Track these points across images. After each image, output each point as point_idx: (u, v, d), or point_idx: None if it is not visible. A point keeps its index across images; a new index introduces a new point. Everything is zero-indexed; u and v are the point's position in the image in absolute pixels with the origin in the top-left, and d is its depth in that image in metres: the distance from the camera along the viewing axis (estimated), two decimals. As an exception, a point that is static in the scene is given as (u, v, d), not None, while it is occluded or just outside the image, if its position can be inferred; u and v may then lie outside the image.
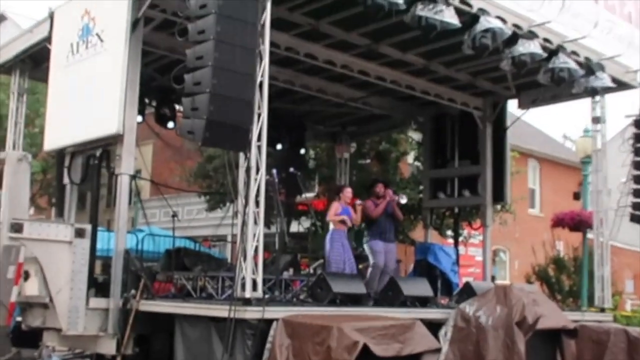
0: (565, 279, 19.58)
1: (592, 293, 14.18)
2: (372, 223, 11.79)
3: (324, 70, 13.19)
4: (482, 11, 10.37)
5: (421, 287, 11.20)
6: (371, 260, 11.57)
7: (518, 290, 10.29)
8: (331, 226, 11.30)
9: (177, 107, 14.48)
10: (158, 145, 26.28)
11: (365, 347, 7.97)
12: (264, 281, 9.55)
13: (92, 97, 10.26)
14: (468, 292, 11.62)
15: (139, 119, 12.70)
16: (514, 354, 9.30)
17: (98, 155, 10.53)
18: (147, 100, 14.43)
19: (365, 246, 11.74)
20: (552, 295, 18.60)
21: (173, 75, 9.33)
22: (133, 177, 10.30)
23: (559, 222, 17.21)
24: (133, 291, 9.76)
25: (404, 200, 12.09)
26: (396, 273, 13.34)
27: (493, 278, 15.21)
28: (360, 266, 11.81)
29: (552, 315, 10.09)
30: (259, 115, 9.39)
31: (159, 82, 13.79)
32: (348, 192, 11.52)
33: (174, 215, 11.78)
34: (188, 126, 8.81)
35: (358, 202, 11.45)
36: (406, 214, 18.95)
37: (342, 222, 11.23)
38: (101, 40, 10.29)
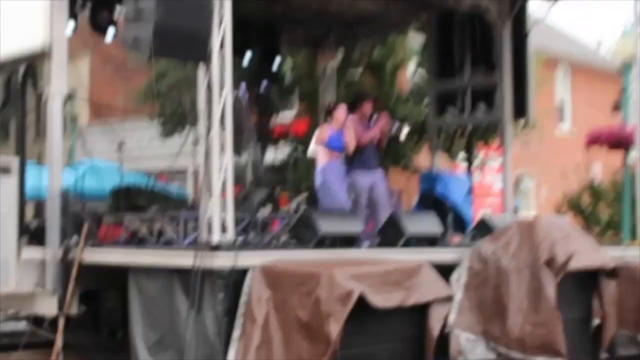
0: (604, 209, 19.83)
1: (636, 224, 14.36)
2: (355, 151, 11.75)
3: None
4: None
5: (428, 223, 11.30)
6: (353, 195, 11.63)
7: (546, 223, 10.39)
8: (321, 158, 11.29)
9: (118, 9, 14.26)
10: (97, 60, 25.98)
11: (362, 297, 8.06)
12: (236, 221, 9.60)
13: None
14: (485, 227, 11.72)
15: (71, 25, 12.49)
16: (542, 300, 9.46)
17: (22, 72, 10.42)
18: (79, 2, 14.20)
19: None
20: (587, 228, 18.85)
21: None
22: (67, 98, 10.19)
23: (594, 140, 17.27)
24: (75, 238, 9.77)
25: (403, 134, 12.06)
26: (397, 207, 13.44)
27: (515, 210, 15.36)
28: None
29: (588, 253, 10.22)
30: (221, 17, 9.26)
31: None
32: (341, 110, 11.47)
33: (121, 144, 11.71)
34: (132, 34, 8.74)
35: (350, 117, 11.41)
36: (408, 135, 19.03)
37: (332, 148, 11.23)
38: None
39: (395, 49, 19.24)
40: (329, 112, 11.63)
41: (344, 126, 11.47)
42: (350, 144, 11.46)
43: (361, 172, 11.64)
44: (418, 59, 19.89)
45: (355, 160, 11.74)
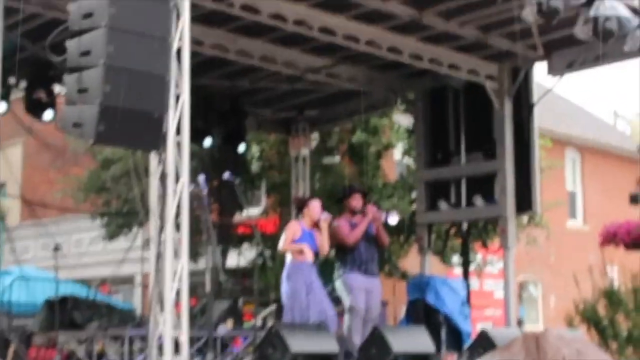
0: (622, 320, 19.76)
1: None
2: (346, 251, 11.73)
3: (270, 28, 13.15)
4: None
5: (418, 340, 11.19)
6: (347, 303, 11.53)
7: (556, 338, 10.33)
8: (289, 256, 11.23)
9: (57, 89, 14.33)
10: (31, 146, 25.99)
11: None
12: (192, 340, 9.46)
13: None
14: (485, 344, 11.63)
15: (2, 107, 12.55)
16: None
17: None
18: (12, 81, 14.27)
19: (338, 283, 11.65)
20: (604, 343, 18.74)
21: (50, 43, 9.25)
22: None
23: (610, 237, 17.36)
24: (-2, 362, 9.61)
25: (394, 220, 12.05)
26: (382, 320, 13.31)
27: (520, 322, 15.29)
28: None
29: (606, 373, 10.15)
30: (178, 96, 9.32)
31: (30, 53, 13.64)
32: (315, 207, 11.43)
33: (57, 247, 11.62)
34: (74, 116, 8.75)
35: (324, 216, 11.37)
36: (393, 234, 19.06)
37: (301, 252, 11.16)
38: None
39: (378, 132, 19.40)
40: (300, 207, 11.61)
41: (316, 226, 11.39)
42: (323, 248, 11.42)
43: (358, 274, 11.60)
44: (405, 144, 20.03)
45: (348, 261, 11.68)
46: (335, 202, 12.57)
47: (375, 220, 11.79)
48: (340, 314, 11.73)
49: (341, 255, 11.73)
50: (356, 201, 11.87)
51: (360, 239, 11.67)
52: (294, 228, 11.34)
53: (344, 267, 11.66)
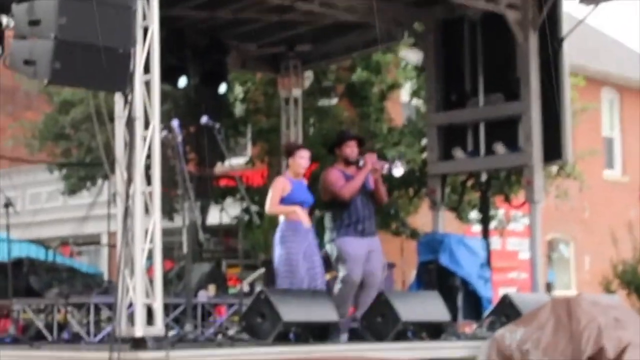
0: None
1: None
2: (339, 207, 11.72)
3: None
4: None
5: (430, 307, 11.29)
6: (341, 271, 11.57)
7: (590, 304, 10.42)
8: (281, 217, 11.27)
9: (4, 20, 14.30)
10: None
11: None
12: (167, 308, 9.53)
13: None
14: (508, 311, 11.72)
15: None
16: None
17: None
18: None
19: (330, 246, 11.69)
20: (646, 310, 18.94)
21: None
22: None
23: (653, 189, 17.48)
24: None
25: (399, 172, 12.01)
26: (388, 285, 13.38)
27: (549, 286, 15.42)
28: (327, 276, 11.83)
29: (647, 344, 10.24)
30: (146, 29, 9.30)
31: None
32: (303, 156, 11.44)
33: (8, 204, 11.66)
34: (25, 52, 8.75)
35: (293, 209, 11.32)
36: (401, 186, 19.12)
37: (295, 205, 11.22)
38: None
39: (381, 70, 19.40)
40: (288, 154, 11.61)
41: (307, 175, 11.45)
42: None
43: (354, 236, 11.57)
44: (413, 83, 20.04)
45: (342, 219, 11.66)
46: (328, 151, 12.51)
47: (374, 171, 11.72)
48: (332, 280, 11.78)
49: (334, 212, 11.68)
50: (350, 149, 11.74)
51: (356, 193, 11.62)
52: (282, 184, 11.30)
53: (338, 228, 11.63)
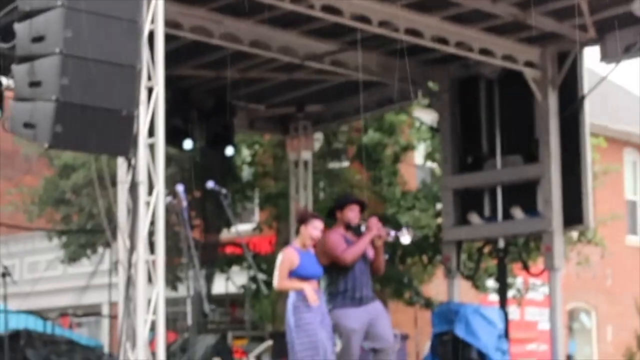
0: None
1: None
2: (336, 273, 11.59)
3: (264, 7, 13.20)
4: None
5: (446, 381, 11.24)
6: (337, 345, 11.44)
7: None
8: (290, 292, 11.19)
9: (4, 81, 14.39)
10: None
11: None
12: (170, 383, 9.51)
13: None
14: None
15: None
16: None
17: None
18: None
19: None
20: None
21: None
22: None
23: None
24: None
25: (406, 239, 11.89)
26: (401, 357, 13.28)
27: (570, 359, 15.32)
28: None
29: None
30: (151, 90, 9.35)
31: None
32: (317, 227, 11.34)
33: (5, 273, 11.67)
34: (25, 114, 8.78)
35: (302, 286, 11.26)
36: (415, 253, 19.09)
37: (304, 277, 11.11)
38: None
39: (395, 131, 19.46)
40: (300, 222, 11.55)
41: (314, 244, 11.33)
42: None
43: (348, 309, 11.47)
44: (427, 145, 20.09)
45: (337, 287, 11.57)
46: (328, 215, 12.43)
47: (378, 237, 11.58)
48: None
49: (331, 278, 11.52)
50: (353, 213, 11.57)
51: (356, 260, 11.51)
52: (290, 256, 11.16)
53: (334, 297, 11.50)
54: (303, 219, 11.30)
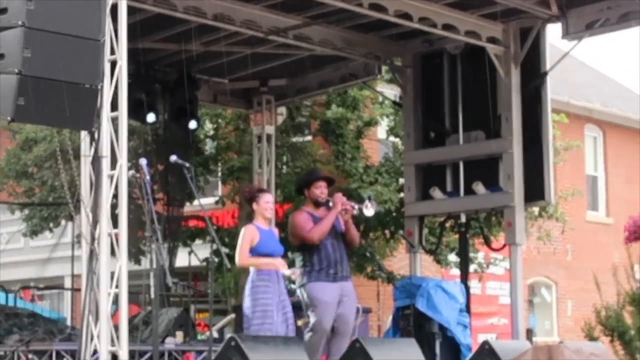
0: (654, 330, 19.99)
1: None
2: (309, 251, 11.68)
3: (227, -20, 13.20)
4: None
5: (407, 355, 11.28)
6: (311, 318, 11.52)
7: (572, 352, 10.47)
8: (251, 267, 11.23)
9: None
10: None
11: None
12: (133, 356, 9.50)
13: None
14: (488, 358, 11.73)
15: None
16: None
17: None
18: None
19: (301, 291, 11.63)
20: (631, 358, 18.97)
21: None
22: None
23: (638, 232, 17.54)
24: None
25: (370, 211, 11.94)
26: (363, 331, 13.34)
27: (530, 333, 15.42)
28: (299, 322, 11.79)
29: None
30: (114, 63, 9.33)
31: None
32: (268, 201, 11.38)
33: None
34: (-14, 87, 8.73)
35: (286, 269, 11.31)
36: (377, 228, 19.15)
37: (266, 256, 11.14)
38: None
39: (358, 106, 19.46)
40: (249, 201, 11.53)
41: (279, 215, 11.42)
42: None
43: (323, 282, 11.50)
44: (390, 120, 20.11)
45: (312, 263, 11.59)
46: (296, 192, 12.43)
47: (344, 212, 11.63)
48: (303, 326, 11.72)
49: (304, 256, 11.62)
50: (319, 190, 11.62)
51: (326, 236, 11.55)
52: (250, 234, 11.20)
53: (308, 273, 11.56)
54: (252, 197, 11.34)
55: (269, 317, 10.90)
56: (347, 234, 11.65)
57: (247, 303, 11.04)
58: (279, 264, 11.08)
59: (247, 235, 11.10)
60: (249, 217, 12.43)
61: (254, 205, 11.22)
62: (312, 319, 11.39)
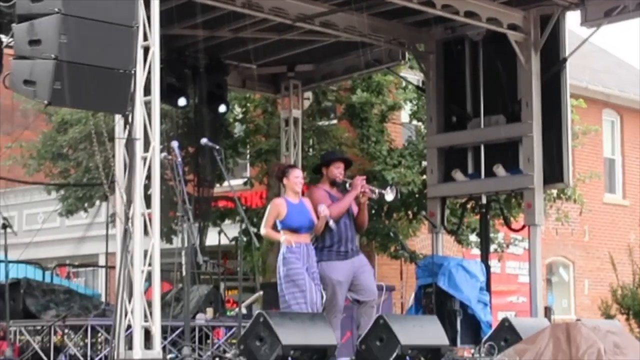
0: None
1: None
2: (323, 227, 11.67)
3: (256, -31, 13.21)
4: None
5: (429, 331, 11.30)
6: (324, 296, 11.52)
7: (589, 330, 10.44)
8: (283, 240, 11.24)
9: (4, 39, 14.34)
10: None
11: None
12: (165, 331, 9.55)
13: None
14: (507, 335, 11.73)
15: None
16: None
17: None
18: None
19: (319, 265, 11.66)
20: (646, 335, 18.94)
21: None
22: None
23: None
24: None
25: (390, 196, 11.89)
26: (387, 308, 13.34)
27: (548, 311, 15.40)
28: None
29: (647, 369, 10.28)
30: (147, 49, 9.36)
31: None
32: (297, 176, 11.43)
33: (5, 225, 11.70)
34: (25, 72, 8.78)
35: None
36: (401, 209, 19.14)
37: (296, 230, 11.15)
38: None
39: (382, 91, 19.45)
40: (279, 177, 11.58)
41: (303, 195, 11.39)
42: (319, 224, 11.37)
43: (334, 262, 11.50)
44: (413, 104, 20.09)
45: (323, 243, 11.59)
46: (313, 171, 12.39)
47: (363, 194, 11.59)
48: None
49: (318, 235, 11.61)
50: (338, 170, 11.62)
51: (342, 216, 11.53)
52: (278, 207, 11.23)
53: (320, 250, 11.54)
54: (282, 174, 11.39)
55: (302, 286, 10.92)
56: (358, 216, 11.62)
57: (280, 273, 11.08)
58: (288, 241, 11.07)
59: (273, 210, 11.16)
60: (276, 197, 12.42)
61: (285, 180, 11.29)
62: (325, 297, 11.41)
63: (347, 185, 11.55)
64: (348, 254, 11.45)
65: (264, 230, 11.16)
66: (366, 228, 12.46)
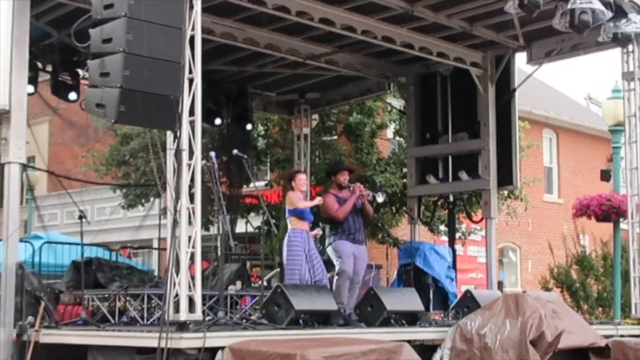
0: (593, 284, 19.91)
1: (628, 300, 14.42)
2: (335, 222, 11.78)
3: (275, 19, 13.19)
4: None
5: (408, 300, 11.30)
6: (337, 266, 11.60)
7: (533, 299, 10.43)
8: (289, 225, 11.29)
9: (80, 72, 14.35)
10: (56, 124, 26.00)
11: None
12: (204, 299, 9.53)
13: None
14: (469, 303, 11.75)
15: (30, 89, 12.56)
16: (530, 382, 9.45)
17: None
18: (39, 64, 14.27)
19: (329, 249, 11.72)
20: (576, 304, 18.88)
21: (74, 30, 9.29)
22: (24, 167, 10.19)
23: (582, 210, 17.38)
24: (30, 318, 9.68)
25: (380, 199, 12.10)
26: (376, 282, 13.33)
27: (500, 284, 15.39)
28: (329, 275, 11.85)
29: (577, 330, 10.26)
30: (191, 80, 9.37)
31: (55, 40, 13.64)
32: (302, 178, 11.53)
33: (82, 216, 11.71)
34: (97, 97, 8.77)
35: (318, 200, 11.49)
36: (387, 205, 19.13)
37: (302, 218, 11.22)
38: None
39: (372, 113, 19.42)
40: (289, 179, 11.68)
41: (312, 197, 11.57)
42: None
43: (345, 241, 11.63)
44: (397, 124, 20.06)
45: (337, 229, 11.73)
46: (325, 177, 12.53)
47: (361, 196, 11.82)
48: (331, 278, 11.79)
49: (331, 226, 11.78)
50: (343, 177, 11.91)
51: (348, 213, 11.69)
52: (294, 197, 11.41)
53: (334, 236, 11.69)
54: (291, 177, 11.56)
55: (298, 265, 11.01)
56: (364, 209, 11.83)
57: (284, 253, 11.18)
58: (320, 199, 11.44)
59: (294, 195, 11.29)
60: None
61: (293, 183, 11.42)
62: (337, 266, 11.49)
63: (351, 188, 11.71)
64: (355, 240, 11.63)
65: (302, 205, 11.23)
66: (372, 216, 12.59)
